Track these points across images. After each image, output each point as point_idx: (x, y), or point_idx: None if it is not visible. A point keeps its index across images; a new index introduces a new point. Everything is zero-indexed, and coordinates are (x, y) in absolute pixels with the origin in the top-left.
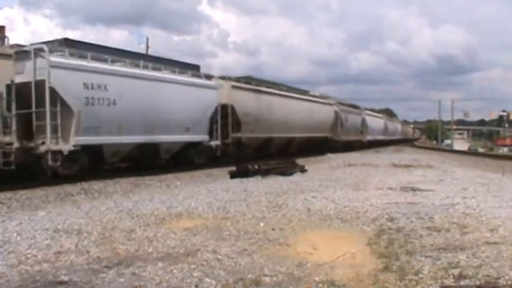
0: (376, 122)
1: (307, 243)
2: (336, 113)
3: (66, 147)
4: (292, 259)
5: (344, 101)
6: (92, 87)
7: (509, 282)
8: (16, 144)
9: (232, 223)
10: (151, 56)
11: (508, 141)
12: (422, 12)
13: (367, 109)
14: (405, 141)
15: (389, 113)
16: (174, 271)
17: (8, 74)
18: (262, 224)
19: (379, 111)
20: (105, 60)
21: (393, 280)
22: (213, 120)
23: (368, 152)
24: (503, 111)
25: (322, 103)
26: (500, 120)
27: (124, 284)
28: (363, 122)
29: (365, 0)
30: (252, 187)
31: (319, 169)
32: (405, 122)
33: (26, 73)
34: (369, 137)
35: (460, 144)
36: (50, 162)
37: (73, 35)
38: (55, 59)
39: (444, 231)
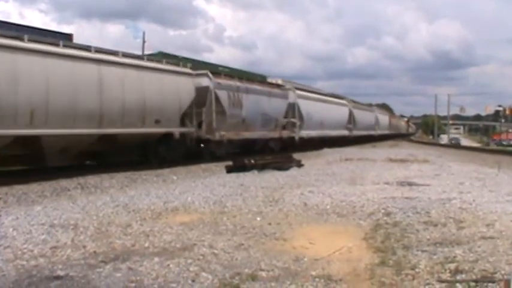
0: (326, 110)
1: (304, 238)
2: (202, 91)
3: None
4: (289, 254)
5: (230, 73)
6: None
7: (505, 277)
8: None
9: (229, 218)
10: None
11: (504, 136)
12: (418, 7)
13: (301, 89)
14: (396, 137)
15: (385, 108)
16: (171, 266)
17: None
18: (258, 219)
19: (377, 106)
20: None
21: (390, 274)
22: None
23: (365, 146)
24: (499, 106)
25: (147, 69)
26: (496, 115)
27: (120, 278)
28: (292, 109)
29: None
30: (249, 182)
31: (315, 164)
32: (400, 116)
33: None
34: (308, 133)
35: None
36: None
37: (69, 29)
38: None
39: (440, 225)
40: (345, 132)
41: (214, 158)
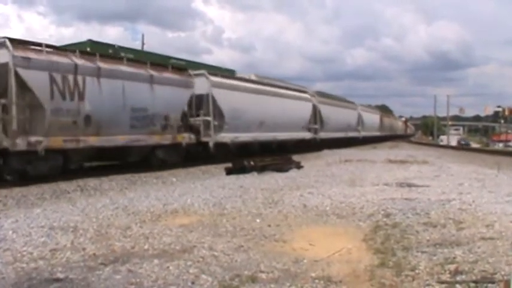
0: (271, 106)
1: (304, 240)
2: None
3: None
4: (289, 255)
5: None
6: None
7: (505, 278)
8: None
9: (228, 219)
10: None
11: (503, 137)
12: (417, 8)
13: (222, 75)
14: (391, 139)
15: (385, 109)
16: (170, 268)
17: None
18: (258, 221)
19: (375, 108)
20: None
21: (389, 276)
22: None
23: (364, 147)
24: (499, 106)
25: None
26: (495, 116)
27: (120, 281)
28: (205, 102)
29: None
30: (248, 183)
31: (315, 165)
32: (398, 116)
33: None
34: (235, 136)
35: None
36: None
37: (67, 32)
38: None
39: (440, 226)
40: (306, 135)
41: (23, 181)
